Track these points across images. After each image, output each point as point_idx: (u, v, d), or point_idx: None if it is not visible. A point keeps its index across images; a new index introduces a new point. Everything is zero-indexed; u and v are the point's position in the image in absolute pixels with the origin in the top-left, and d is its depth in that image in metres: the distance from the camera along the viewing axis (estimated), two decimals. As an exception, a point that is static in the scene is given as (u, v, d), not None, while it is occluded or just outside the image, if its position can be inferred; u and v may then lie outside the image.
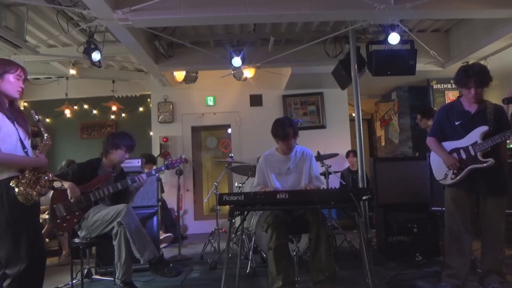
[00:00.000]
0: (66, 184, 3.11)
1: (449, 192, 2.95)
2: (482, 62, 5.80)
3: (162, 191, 6.06)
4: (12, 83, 2.26)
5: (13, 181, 2.13)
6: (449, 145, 2.96)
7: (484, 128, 2.79)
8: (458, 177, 2.85)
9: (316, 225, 2.86)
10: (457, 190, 2.89)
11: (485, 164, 2.75)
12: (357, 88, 4.77)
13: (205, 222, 6.84)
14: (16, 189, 2.12)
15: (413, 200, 4.02)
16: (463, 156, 2.85)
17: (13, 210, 2.13)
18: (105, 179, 3.39)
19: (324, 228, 2.90)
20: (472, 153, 2.81)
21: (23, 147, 2.25)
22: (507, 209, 2.88)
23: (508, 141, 4.26)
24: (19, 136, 2.25)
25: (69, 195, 3.10)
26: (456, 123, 2.92)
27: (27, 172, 2.20)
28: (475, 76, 2.78)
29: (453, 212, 2.90)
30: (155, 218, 4.13)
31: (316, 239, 2.84)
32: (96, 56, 4.55)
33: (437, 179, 3.02)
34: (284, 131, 3.20)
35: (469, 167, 2.80)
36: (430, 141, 3.07)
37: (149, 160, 5.76)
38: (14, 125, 2.24)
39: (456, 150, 2.89)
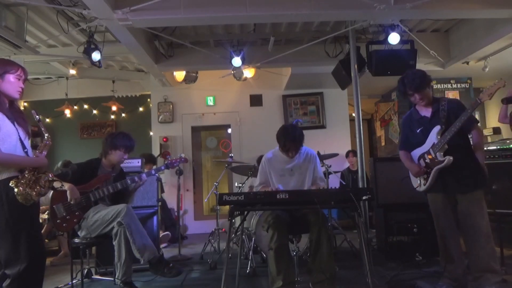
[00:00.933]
0: (66, 186, 3.09)
1: (428, 198, 3.01)
2: (482, 62, 5.80)
3: (162, 191, 6.06)
4: (12, 83, 2.26)
5: (13, 181, 2.13)
6: (416, 152, 3.01)
7: (437, 128, 2.83)
8: (428, 182, 2.89)
9: (317, 226, 2.86)
10: (435, 194, 2.93)
11: (443, 164, 2.77)
12: (357, 88, 4.77)
13: (205, 222, 6.84)
14: (16, 189, 2.12)
15: (413, 200, 3.99)
16: (428, 160, 2.88)
17: (12, 211, 2.13)
18: (105, 179, 3.39)
19: (325, 229, 2.90)
20: (433, 155, 2.84)
21: (23, 147, 2.25)
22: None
23: (508, 141, 4.25)
24: (19, 136, 2.25)
25: (68, 197, 3.10)
26: (417, 131, 2.98)
27: (26, 172, 2.19)
28: (409, 84, 2.86)
29: (437, 216, 2.94)
30: (155, 218, 4.13)
31: (317, 240, 2.84)
32: (96, 56, 4.55)
33: (414, 187, 3.07)
34: (285, 145, 3.21)
35: (433, 169, 2.84)
36: (400, 154, 3.16)
37: (149, 160, 5.76)
38: (14, 125, 2.24)
39: (422, 156, 2.94)
